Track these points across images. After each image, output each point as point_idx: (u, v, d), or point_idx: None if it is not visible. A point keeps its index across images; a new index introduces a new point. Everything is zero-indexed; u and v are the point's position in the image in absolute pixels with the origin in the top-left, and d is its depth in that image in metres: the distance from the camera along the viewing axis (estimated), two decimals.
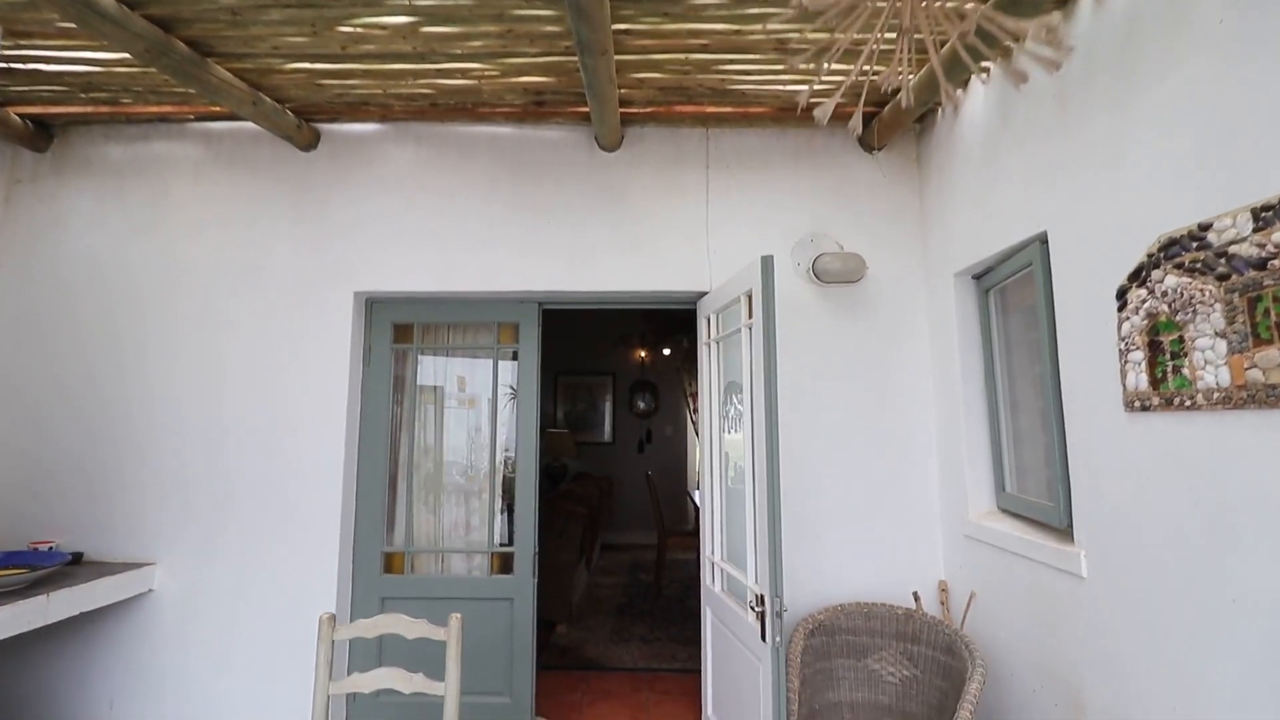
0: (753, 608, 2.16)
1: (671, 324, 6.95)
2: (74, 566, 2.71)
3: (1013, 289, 2.48)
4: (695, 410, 7.51)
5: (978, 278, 2.62)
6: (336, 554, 2.77)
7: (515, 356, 3.00)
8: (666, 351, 6.60)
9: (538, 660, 3.80)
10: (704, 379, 2.79)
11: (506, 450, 3.06)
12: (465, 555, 3.01)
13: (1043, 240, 2.07)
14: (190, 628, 2.78)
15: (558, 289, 2.90)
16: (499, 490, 3.00)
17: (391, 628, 1.73)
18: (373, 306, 3.00)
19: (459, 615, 1.71)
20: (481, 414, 3.09)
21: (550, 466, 7.24)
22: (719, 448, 2.66)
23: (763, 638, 2.05)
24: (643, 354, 7.66)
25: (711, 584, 2.67)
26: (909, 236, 2.91)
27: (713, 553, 2.68)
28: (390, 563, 2.91)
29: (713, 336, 2.73)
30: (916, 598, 2.65)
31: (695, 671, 3.57)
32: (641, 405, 7.73)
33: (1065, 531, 2.03)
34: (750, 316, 2.29)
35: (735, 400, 2.49)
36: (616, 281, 2.89)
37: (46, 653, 2.81)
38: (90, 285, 2.95)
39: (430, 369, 3.10)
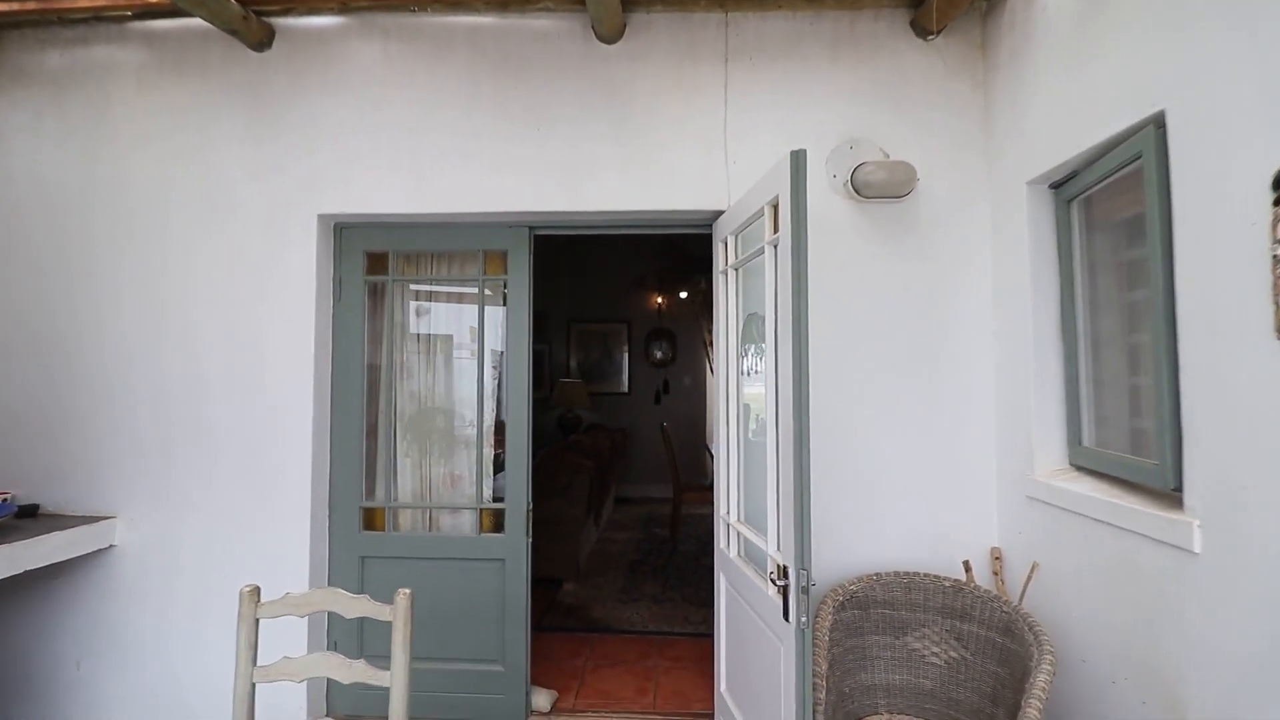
0: (774, 580, 1.81)
1: (689, 264, 6.47)
2: (27, 520, 2.47)
3: (1102, 199, 2.01)
4: (714, 359, 7.11)
5: (1057, 186, 2.15)
6: (309, 509, 2.48)
7: (505, 289, 2.61)
8: (684, 295, 6.13)
9: (540, 621, 3.57)
10: (720, 315, 2.39)
11: (497, 397, 2.71)
12: (452, 512, 2.71)
13: (1158, 123, 1.60)
14: (155, 586, 2.54)
15: (551, 209, 2.49)
16: (489, 442, 2.67)
17: (327, 605, 1.42)
18: (342, 233, 2.63)
19: (408, 592, 1.39)
20: (469, 355, 2.74)
21: (564, 417, 6.96)
22: (737, 394, 2.28)
23: (785, 616, 1.71)
24: (659, 300, 7.24)
25: (726, 548, 2.33)
26: (969, 141, 2.43)
27: (728, 513, 2.33)
28: (370, 519, 2.62)
29: (730, 263, 2.31)
30: (967, 568, 2.28)
31: (709, 636, 3.29)
32: (658, 354, 7.35)
33: (1169, 495, 1.63)
34: (776, 231, 1.86)
35: (757, 337, 2.09)
36: (619, 200, 2.47)
37: (8, 609, 2.61)
38: (39, 208, 2.63)
39: (411, 304, 2.75)
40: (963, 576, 2.28)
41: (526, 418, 2.57)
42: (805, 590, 1.65)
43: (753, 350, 2.11)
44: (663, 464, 7.00)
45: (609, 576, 4.36)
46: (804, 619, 1.65)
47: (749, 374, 2.16)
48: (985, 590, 2.09)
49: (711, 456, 5.66)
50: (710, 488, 5.62)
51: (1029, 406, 2.17)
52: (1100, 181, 1.94)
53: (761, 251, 1.97)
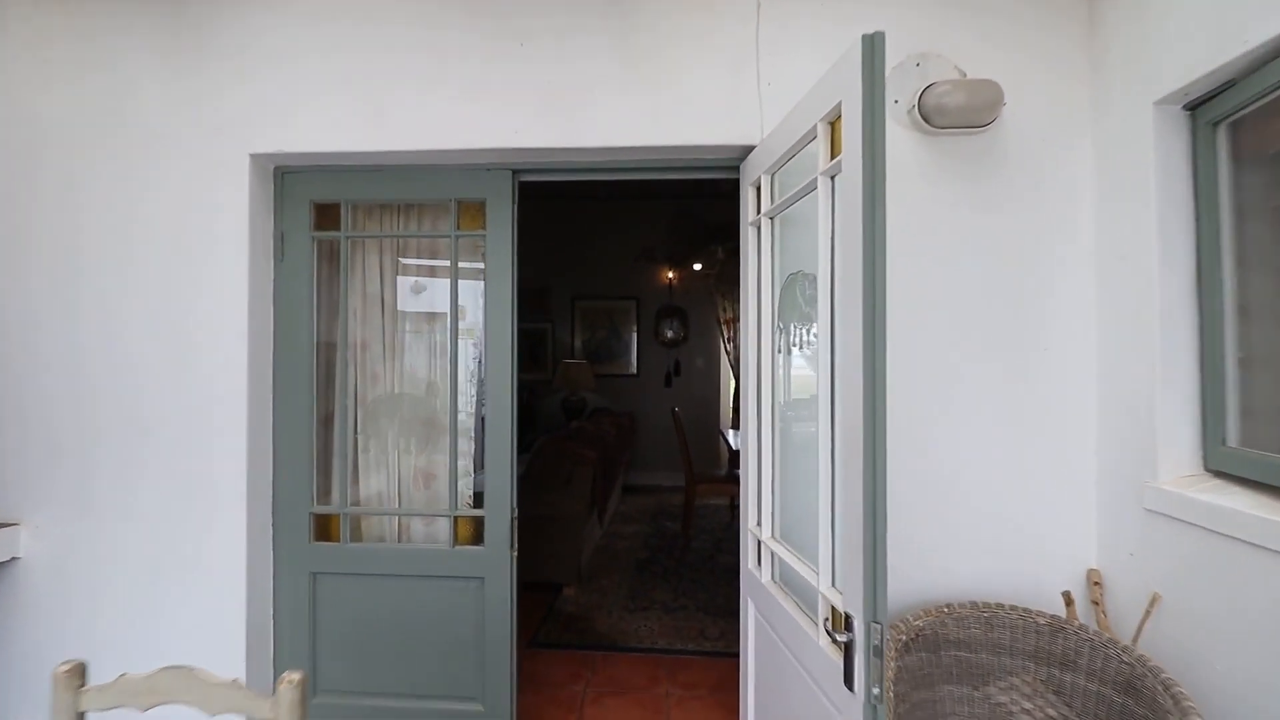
0: (828, 629, 1.35)
1: (704, 233, 5.91)
2: None
3: (1259, 122, 1.51)
4: (730, 339, 6.62)
5: (1194, 107, 1.64)
6: (244, 514, 2.04)
7: (483, 249, 2.13)
8: (698, 267, 5.60)
9: (535, 635, 3.14)
10: (749, 277, 1.90)
11: (475, 381, 2.25)
12: (426, 520, 2.26)
13: None
14: (64, 606, 2.12)
15: (538, 147, 2.00)
16: (467, 434, 2.21)
17: (178, 693, 0.97)
18: (284, 179, 2.15)
19: (297, 678, 0.93)
20: (441, 329, 2.27)
21: (567, 401, 6.51)
22: (770, 376, 1.80)
23: (848, 683, 1.24)
24: (670, 275, 6.73)
25: (756, 569, 1.86)
26: (1068, 56, 1.91)
27: (758, 525, 1.86)
28: (323, 527, 2.18)
29: (763, 210, 1.81)
30: (1068, 600, 1.80)
31: (729, 656, 2.85)
32: (669, 333, 6.86)
33: None
34: (834, 155, 1.37)
35: (801, 303, 1.60)
36: (624, 134, 1.98)
37: None
38: None
39: (371, 267, 2.27)
40: (1060, 610, 1.81)
41: (510, 406, 2.10)
42: (878, 652, 1.18)
43: (795, 320, 1.62)
44: (673, 450, 6.55)
45: (615, 579, 3.92)
46: (876, 690, 1.18)
47: (789, 350, 1.68)
48: (1094, 631, 1.62)
49: (728, 444, 5.20)
50: (726, 479, 5.16)
51: (1151, 394, 1.67)
52: (1259, 98, 1.44)
53: (813, 187, 1.47)
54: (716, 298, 6.50)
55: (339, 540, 2.16)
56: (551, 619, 3.33)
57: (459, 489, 2.16)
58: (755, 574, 1.86)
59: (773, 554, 1.77)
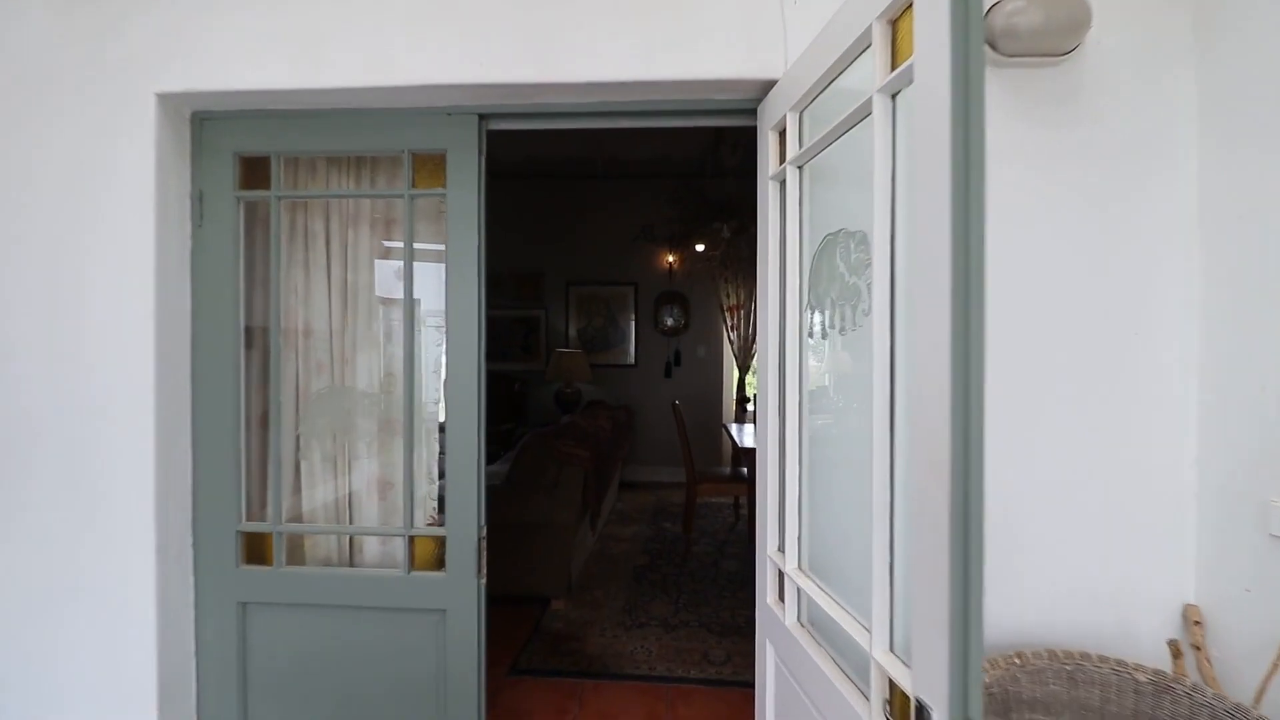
0: (887, 714, 0.99)
1: (709, 209, 5.48)
2: None
3: None
4: (734, 327, 6.25)
5: None
6: (153, 533, 1.68)
7: (444, 212, 1.76)
8: (700, 248, 5.16)
9: (517, 660, 2.79)
10: (770, 242, 1.53)
11: (439, 373, 1.88)
12: (381, 540, 1.90)
13: None
14: None
15: (510, 83, 1.62)
16: (429, 438, 1.85)
17: None
18: (203, 126, 1.77)
19: None
20: (394, 310, 1.90)
21: (561, 393, 6.16)
22: (796, 365, 1.43)
23: None
24: (671, 259, 6.35)
25: (777, 606, 1.50)
26: None
27: (779, 550, 1.50)
28: (255, 548, 1.82)
29: (790, 157, 1.44)
30: (1175, 652, 1.45)
31: (737, 686, 2.51)
32: (669, 321, 6.49)
33: None
34: (900, 63, 1.00)
35: (844, 271, 1.23)
36: (614, 68, 1.60)
37: None
38: None
39: (315, 235, 1.90)
40: (1158, 660, 1.45)
41: (476, 402, 1.74)
42: None
43: (835, 295, 1.25)
44: (673, 444, 6.21)
45: (609, 589, 3.57)
46: None
47: (825, 333, 1.31)
48: (1213, 695, 1.27)
49: (732, 439, 4.84)
50: (731, 478, 4.80)
51: (1275, 393, 1.31)
52: None
53: (864, 113, 1.10)
54: (720, 282, 6.12)
55: (273, 564, 1.80)
56: (537, 639, 2.99)
57: (416, 502, 1.80)
58: (776, 613, 1.50)
59: (799, 590, 1.41)
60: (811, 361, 1.40)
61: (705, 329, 6.50)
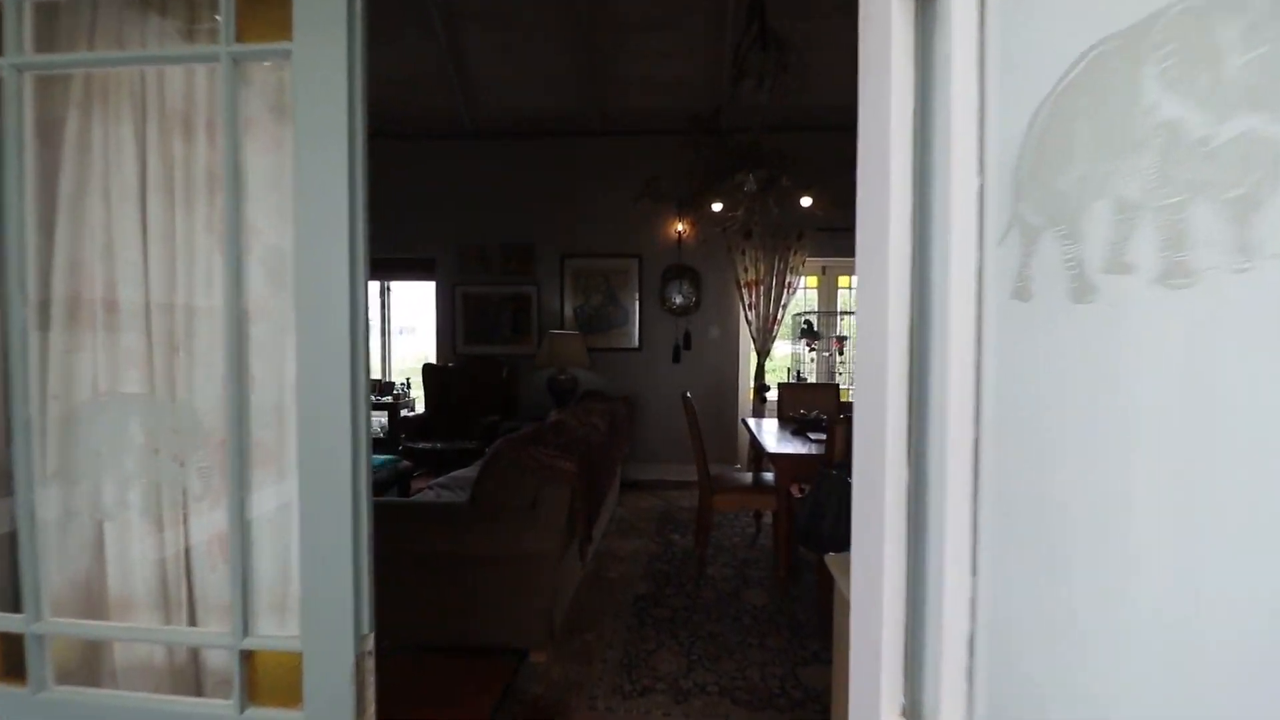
0: None
1: (729, 160, 4.56)
2: None
3: None
4: (751, 305, 5.48)
5: None
6: None
7: (285, 81, 1.00)
8: (718, 207, 4.31)
9: None
10: (890, 96, 0.75)
11: (282, 358, 1.13)
12: (193, 653, 1.17)
13: None
14: None
15: None
16: (274, 477, 1.11)
17: None
18: None
19: None
20: (212, 244, 1.15)
21: (555, 380, 5.41)
22: (974, 345, 0.68)
23: None
24: (680, 228, 5.56)
25: None
26: None
27: (903, 695, 0.75)
28: (6, 658, 1.09)
29: None
30: None
31: None
32: (678, 299, 5.73)
33: None
34: None
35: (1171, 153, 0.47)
36: None
37: None
38: None
39: (97, 139, 1.15)
40: None
41: (350, 423, 0.99)
42: None
43: (1130, 195, 0.50)
44: (682, 437, 5.44)
45: (603, 631, 2.86)
46: None
47: (1088, 276, 0.56)
48: None
49: (751, 434, 4.09)
50: (754, 488, 3.95)
51: None
52: None
53: None
54: (736, 254, 5.34)
55: (24, 683, 1.07)
56: (507, 709, 2.27)
57: (259, 591, 1.07)
58: None
59: None
60: (1017, 342, 0.64)
61: (719, 308, 5.73)
